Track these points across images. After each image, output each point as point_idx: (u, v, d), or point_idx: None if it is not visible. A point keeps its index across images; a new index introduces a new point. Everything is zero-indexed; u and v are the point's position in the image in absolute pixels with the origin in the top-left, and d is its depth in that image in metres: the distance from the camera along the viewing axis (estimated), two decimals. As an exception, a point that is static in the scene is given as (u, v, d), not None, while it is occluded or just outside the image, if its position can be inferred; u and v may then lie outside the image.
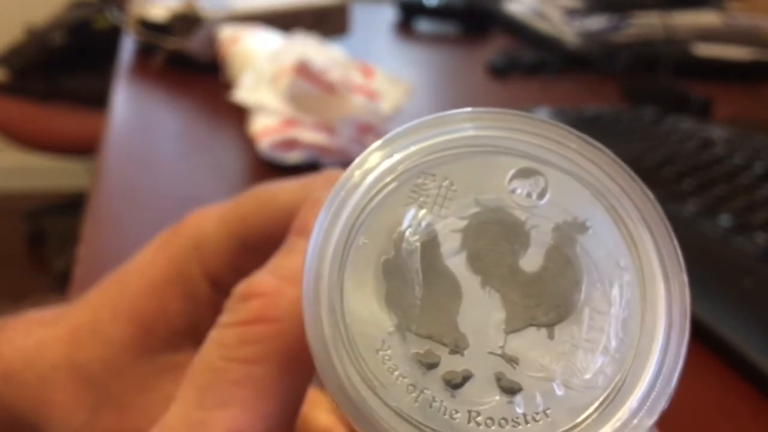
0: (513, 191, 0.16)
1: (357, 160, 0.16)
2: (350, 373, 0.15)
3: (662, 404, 0.15)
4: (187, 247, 0.25)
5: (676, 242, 0.16)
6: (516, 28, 1.06)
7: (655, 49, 0.87)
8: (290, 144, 0.57)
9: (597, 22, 0.94)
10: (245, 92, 0.60)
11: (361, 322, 0.15)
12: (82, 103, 1.81)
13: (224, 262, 0.25)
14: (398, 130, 0.16)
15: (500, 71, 0.89)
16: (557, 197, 0.16)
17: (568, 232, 0.16)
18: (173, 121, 0.72)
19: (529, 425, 0.15)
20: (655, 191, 0.16)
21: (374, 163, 0.16)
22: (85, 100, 1.80)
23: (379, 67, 0.68)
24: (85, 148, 1.58)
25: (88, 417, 0.25)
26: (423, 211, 0.16)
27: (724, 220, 0.44)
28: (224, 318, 0.20)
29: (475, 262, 0.16)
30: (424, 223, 0.16)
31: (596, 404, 0.15)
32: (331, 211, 0.16)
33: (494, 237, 0.16)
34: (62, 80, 1.87)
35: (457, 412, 0.15)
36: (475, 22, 1.10)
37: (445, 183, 0.16)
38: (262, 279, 0.20)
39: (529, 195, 0.16)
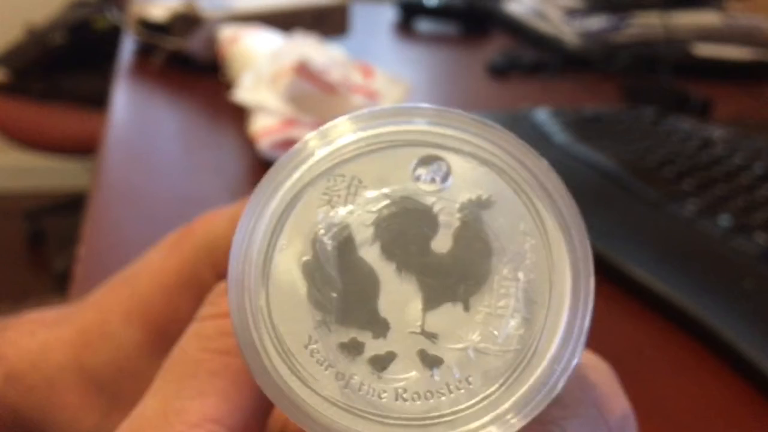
0: (418, 179, 0.17)
1: (270, 172, 0.17)
2: (282, 370, 0.16)
3: (578, 354, 0.16)
4: (199, 250, 0.25)
5: (572, 199, 0.17)
6: (516, 28, 1.06)
7: (655, 49, 0.87)
8: (290, 144, 0.56)
9: (597, 22, 0.94)
10: (245, 92, 0.60)
11: (287, 321, 0.16)
12: (82, 103, 1.81)
13: None
14: (309, 135, 0.17)
15: (500, 71, 0.89)
16: (460, 179, 0.17)
17: (473, 209, 0.17)
18: (173, 121, 0.72)
19: (452, 394, 0.16)
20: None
21: (287, 172, 0.17)
22: (85, 100, 1.80)
23: (379, 67, 0.68)
24: (85, 148, 1.58)
25: (98, 419, 0.25)
26: (335, 210, 0.17)
27: (724, 220, 0.44)
28: (203, 311, 0.20)
29: (389, 251, 0.17)
30: (337, 221, 0.17)
31: (515, 365, 0.16)
32: (252, 219, 0.17)
33: (405, 224, 0.17)
34: (62, 80, 1.87)
35: (384, 392, 0.16)
36: (475, 22, 1.10)
37: (354, 181, 0.17)
38: None
39: (433, 180, 0.17)
